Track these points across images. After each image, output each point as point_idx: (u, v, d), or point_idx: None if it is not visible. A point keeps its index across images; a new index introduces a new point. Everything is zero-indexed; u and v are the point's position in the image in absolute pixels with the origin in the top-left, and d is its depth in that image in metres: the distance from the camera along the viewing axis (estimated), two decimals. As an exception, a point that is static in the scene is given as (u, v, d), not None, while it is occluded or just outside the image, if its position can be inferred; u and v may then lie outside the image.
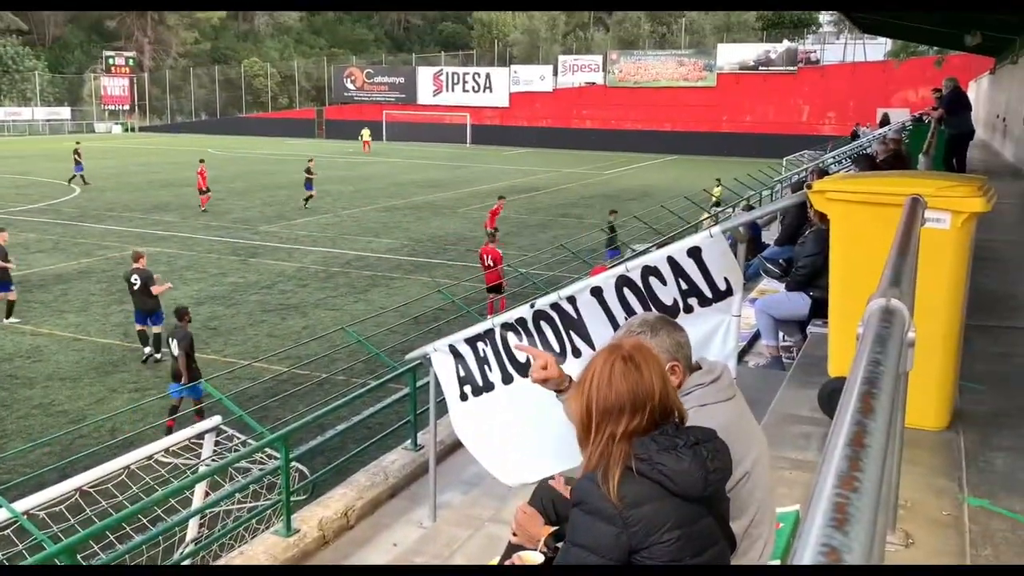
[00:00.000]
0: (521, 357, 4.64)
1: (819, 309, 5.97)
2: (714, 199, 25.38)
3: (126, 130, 74.89)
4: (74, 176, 34.35)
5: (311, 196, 29.49)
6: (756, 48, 59.94)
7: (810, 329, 6.15)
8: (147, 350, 13.23)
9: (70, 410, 11.16)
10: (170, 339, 11.00)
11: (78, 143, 37.83)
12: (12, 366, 12.85)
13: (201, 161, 29.76)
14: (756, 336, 7.74)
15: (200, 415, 9.22)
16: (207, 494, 6.90)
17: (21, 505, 5.70)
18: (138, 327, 13.49)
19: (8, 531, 5.65)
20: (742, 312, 4.40)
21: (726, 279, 4.19)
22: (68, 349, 13.72)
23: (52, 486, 6.17)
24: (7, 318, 15.19)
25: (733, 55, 59.58)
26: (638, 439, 2.08)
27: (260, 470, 6.85)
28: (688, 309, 4.20)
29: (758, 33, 65.52)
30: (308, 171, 29.91)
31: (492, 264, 15.85)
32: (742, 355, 7.23)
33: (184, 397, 10.55)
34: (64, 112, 74.96)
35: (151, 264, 15.23)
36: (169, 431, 9.25)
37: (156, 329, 13.40)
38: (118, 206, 29.25)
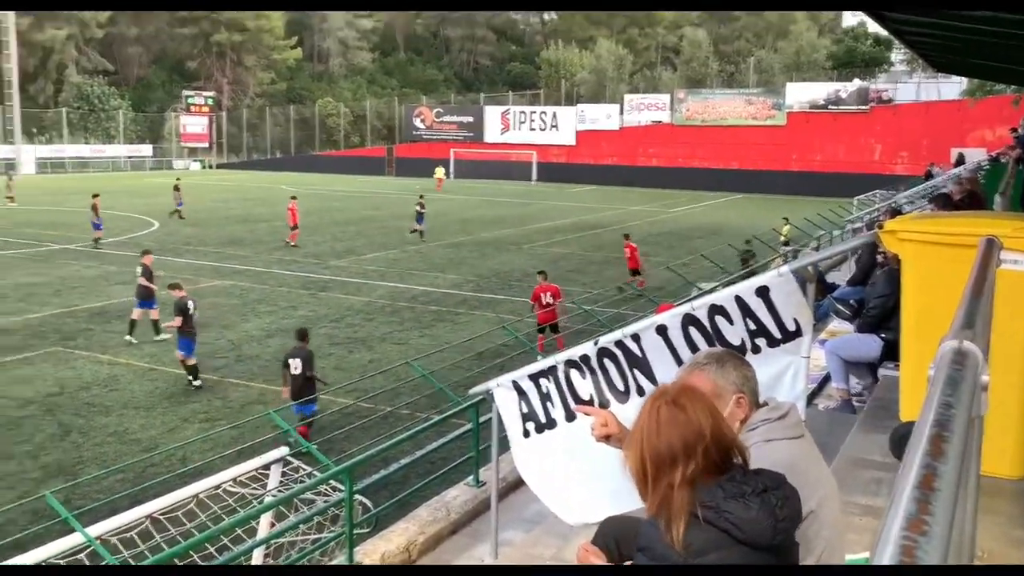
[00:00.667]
0: (585, 396, 4.62)
1: (891, 351, 5.83)
2: (783, 238, 25.06)
3: (204, 167, 77.32)
4: (175, 210, 36.37)
5: (419, 230, 30.79)
6: (826, 87, 59.37)
7: (881, 372, 6.01)
8: (197, 383, 13.56)
9: (143, 438, 11.45)
10: (290, 359, 11.37)
11: (178, 179, 40.57)
12: (90, 394, 13.26)
13: (293, 198, 30.56)
14: (826, 379, 7.58)
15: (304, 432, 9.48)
16: (272, 525, 6.99)
17: (95, 530, 5.87)
18: (192, 361, 13.71)
19: (82, 555, 5.80)
20: (812, 354, 4.32)
21: (795, 319, 4.09)
22: (143, 379, 14.11)
23: (124, 512, 6.33)
24: (156, 335, 16.16)
25: (803, 94, 59.10)
26: (703, 485, 2.04)
27: (324, 502, 6.92)
28: (756, 349, 4.12)
29: (828, 72, 64.93)
30: (420, 206, 31.15)
31: (552, 301, 15.80)
32: (811, 398, 7.07)
33: (301, 414, 10.92)
34: (146, 149, 77.75)
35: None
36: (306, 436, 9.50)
37: (192, 361, 13.82)
38: (195, 240, 30.14)
